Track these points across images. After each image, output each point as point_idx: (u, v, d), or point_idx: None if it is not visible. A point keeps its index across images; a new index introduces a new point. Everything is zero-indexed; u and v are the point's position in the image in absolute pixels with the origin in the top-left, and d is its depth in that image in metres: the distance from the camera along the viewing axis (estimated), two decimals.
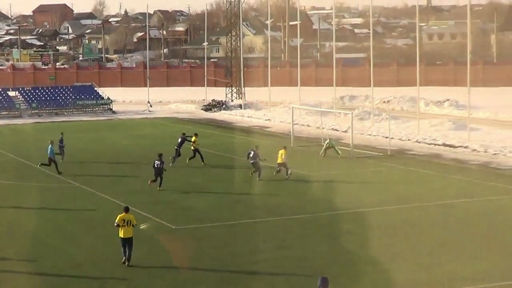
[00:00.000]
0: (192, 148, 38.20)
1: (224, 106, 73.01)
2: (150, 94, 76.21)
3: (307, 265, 20.51)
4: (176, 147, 38.34)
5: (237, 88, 77.54)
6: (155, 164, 31.56)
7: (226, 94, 77.69)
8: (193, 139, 38.40)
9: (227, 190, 31.75)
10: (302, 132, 53.20)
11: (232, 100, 76.27)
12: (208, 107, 73.26)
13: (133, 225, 20.80)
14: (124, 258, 20.77)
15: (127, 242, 20.61)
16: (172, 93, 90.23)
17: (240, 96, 76.74)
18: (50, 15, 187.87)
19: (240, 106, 72.27)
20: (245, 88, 76.87)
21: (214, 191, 31.53)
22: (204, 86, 78.41)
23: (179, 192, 31.35)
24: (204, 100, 77.36)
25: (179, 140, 38.59)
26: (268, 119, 62.55)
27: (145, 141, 47.22)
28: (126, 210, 21.00)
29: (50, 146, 36.46)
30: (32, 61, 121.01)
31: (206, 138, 48.78)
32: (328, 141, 40.61)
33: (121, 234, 20.72)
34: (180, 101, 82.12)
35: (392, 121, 49.76)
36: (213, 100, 74.81)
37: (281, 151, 33.67)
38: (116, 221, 20.83)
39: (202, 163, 37.73)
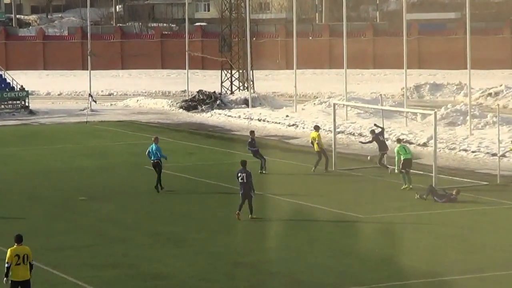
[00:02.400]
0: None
1: (218, 102, 72.99)
2: (93, 82, 76.34)
3: None
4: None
5: (241, 71, 77.69)
6: (239, 177, 34.15)
7: (222, 82, 77.84)
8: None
9: (222, 245, 31.78)
10: (350, 146, 53.17)
11: (232, 93, 76.40)
12: (192, 104, 73.28)
13: (30, 264, 22.52)
14: None
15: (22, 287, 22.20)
16: (131, 81, 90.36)
17: (246, 85, 76.86)
18: None
19: (245, 102, 72.26)
20: (254, 71, 76.98)
21: (200, 245, 31.54)
22: (184, 68, 78.52)
23: (142, 247, 31.34)
24: (184, 92, 77.45)
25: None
26: (293, 124, 62.47)
27: (85, 162, 47.22)
28: (19, 240, 22.56)
29: (153, 145, 39.65)
30: None
31: (187, 156, 48.80)
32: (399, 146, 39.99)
33: (14, 276, 22.26)
34: (144, 94, 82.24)
35: (503, 127, 49.62)
36: (199, 92, 74.88)
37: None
38: (7, 259, 22.37)
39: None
